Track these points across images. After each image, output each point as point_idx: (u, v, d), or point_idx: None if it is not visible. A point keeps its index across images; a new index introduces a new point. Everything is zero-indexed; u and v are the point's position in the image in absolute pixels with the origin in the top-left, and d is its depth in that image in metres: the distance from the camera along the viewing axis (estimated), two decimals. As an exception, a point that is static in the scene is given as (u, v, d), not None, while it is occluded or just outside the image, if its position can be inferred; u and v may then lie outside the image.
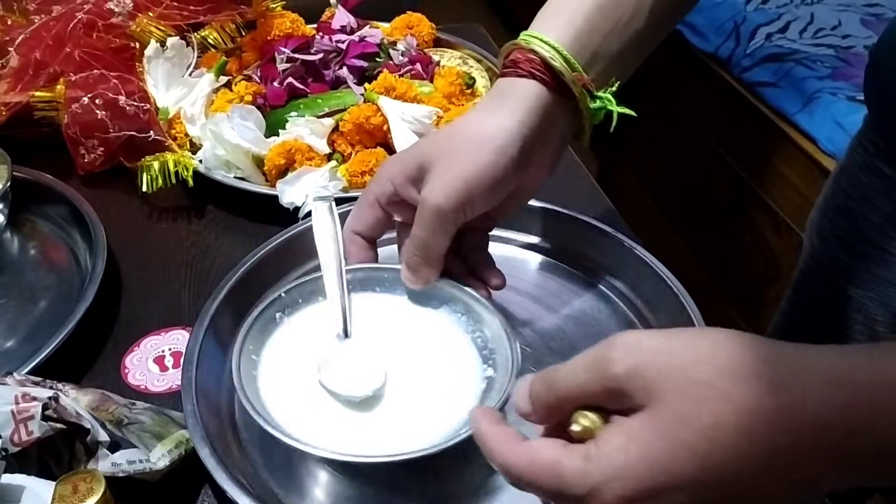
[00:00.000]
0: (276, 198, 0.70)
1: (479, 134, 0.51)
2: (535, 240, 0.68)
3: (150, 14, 0.81)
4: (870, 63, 0.63)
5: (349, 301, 0.55)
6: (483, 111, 0.52)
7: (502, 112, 0.51)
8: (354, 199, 0.68)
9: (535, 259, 0.67)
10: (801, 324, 0.78)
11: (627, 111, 0.53)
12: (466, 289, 0.55)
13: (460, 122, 0.53)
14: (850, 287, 0.70)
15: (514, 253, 0.67)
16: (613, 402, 0.34)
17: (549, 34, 0.51)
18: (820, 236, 0.73)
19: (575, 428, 0.35)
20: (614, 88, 0.53)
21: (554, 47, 0.51)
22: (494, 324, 0.53)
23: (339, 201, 0.68)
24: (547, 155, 0.54)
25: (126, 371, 0.60)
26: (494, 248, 0.67)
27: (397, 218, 0.55)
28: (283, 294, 0.55)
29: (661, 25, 0.55)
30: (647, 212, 1.82)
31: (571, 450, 0.34)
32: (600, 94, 0.53)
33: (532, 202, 0.67)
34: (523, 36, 0.53)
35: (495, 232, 0.68)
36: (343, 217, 0.58)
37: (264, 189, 0.72)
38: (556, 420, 0.37)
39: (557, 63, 0.50)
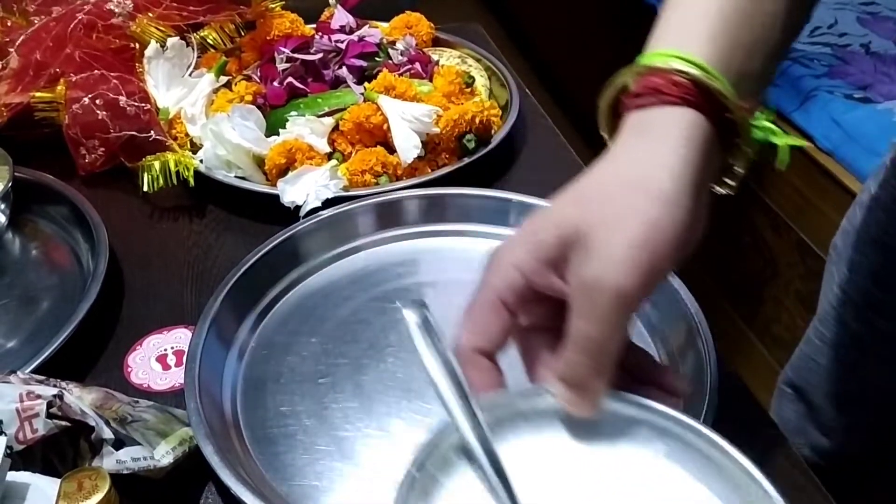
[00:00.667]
0: (276, 197, 0.70)
1: (640, 182, 0.38)
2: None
3: (150, 14, 0.81)
4: None
5: (500, 459, 0.37)
6: (631, 152, 0.40)
7: (659, 151, 0.39)
8: (354, 197, 0.70)
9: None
10: (827, 354, 0.76)
11: (799, 142, 0.42)
12: (653, 404, 0.38)
13: (604, 171, 0.40)
14: (882, 321, 0.69)
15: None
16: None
17: (689, 50, 0.40)
18: (850, 269, 0.71)
19: None
20: (770, 117, 0.42)
21: (701, 66, 0.40)
22: (729, 465, 0.36)
23: (341, 200, 0.69)
24: (705, 204, 0.40)
25: (129, 370, 0.60)
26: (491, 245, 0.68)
27: (524, 321, 0.40)
28: (416, 475, 0.37)
29: (793, 36, 0.46)
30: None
31: None
32: (759, 122, 0.41)
33: (532, 200, 0.68)
34: (655, 55, 0.41)
35: (490, 229, 0.69)
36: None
37: (265, 188, 0.73)
38: None
39: (717, 84, 0.39)
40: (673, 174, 0.38)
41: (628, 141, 0.40)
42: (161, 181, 0.73)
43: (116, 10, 0.80)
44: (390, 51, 0.85)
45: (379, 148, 0.74)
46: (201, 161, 0.75)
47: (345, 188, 0.71)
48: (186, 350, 0.57)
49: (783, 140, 0.41)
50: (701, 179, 0.39)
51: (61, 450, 0.48)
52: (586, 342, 0.37)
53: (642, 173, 0.38)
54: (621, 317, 0.37)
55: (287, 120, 0.76)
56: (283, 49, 0.83)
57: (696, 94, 0.39)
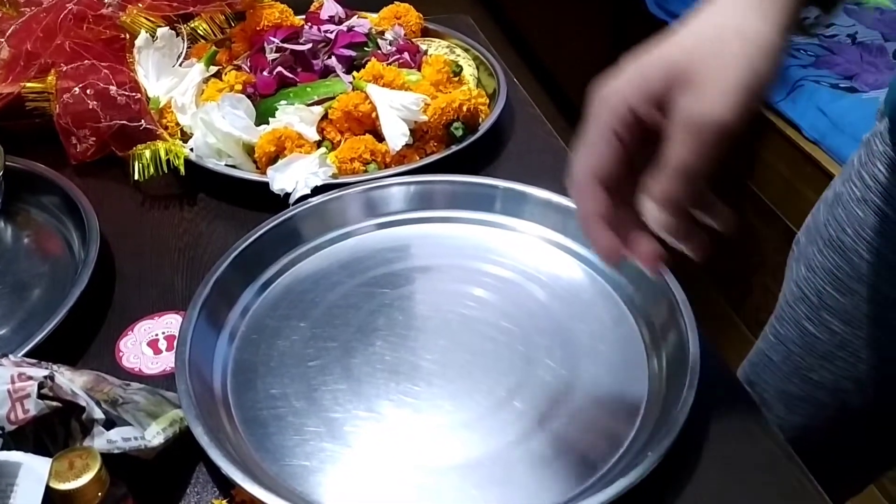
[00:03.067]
0: (266, 185, 0.71)
1: (742, 30, 0.42)
2: (524, 224, 0.69)
3: (140, 5, 0.82)
4: None
5: None
6: (733, 7, 0.43)
7: (757, 10, 0.42)
8: (343, 185, 0.70)
9: (524, 241, 0.68)
10: (780, 352, 0.76)
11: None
12: None
13: (706, 21, 0.43)
14: (836, 322, 0.68)
15: (504, 236, 0.69)
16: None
17: None
18: (808, 267, 0.71)
19: None
20: None
21: None
22: None
23: (330, 187, 0.70)
24: (788, 48, 0.44)
25: (120, 354, 0.61)
26: (485, 232, 0.69)
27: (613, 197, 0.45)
28: None
29: None
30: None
31: None
32: None
33: (521, 187, 0.69)
34: None
35: (477, 215, 0.70)
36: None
37: (255, 176, 0.73)
38: None
39: None
40: (769, 21, 0.41)
41: None
42: (152, 170, 0.73)
43: (107, 1, 0.81)
44: (379, 41, 0.85)
45: (368, 136, 0.75)
46: (192, 150, 0.75)
47: (334, 176, 0.72)
48: (177, 334, 0.58)
49: None
50: (788, 25, 0.42)
51: (52, 430, 0.48)
52: (685, 169, 0.42)
53: (743, 22, 0.42)
54: (718, 150, 0.41)
55: (277, 109, 0.76)
56: (272, 39, 0.83)
57: None
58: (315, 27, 0.85)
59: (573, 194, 0.46)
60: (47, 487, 0.42)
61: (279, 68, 0.81)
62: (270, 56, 0.83)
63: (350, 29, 0.85)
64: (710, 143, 0.41)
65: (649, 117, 0.43)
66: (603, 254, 0.46)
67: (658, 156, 0.42)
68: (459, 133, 0.76)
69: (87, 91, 0.76)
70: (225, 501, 0.51)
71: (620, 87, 0.43)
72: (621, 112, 0.43)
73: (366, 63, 0.80)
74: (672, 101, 0.41)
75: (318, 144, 0.76)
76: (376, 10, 0.93)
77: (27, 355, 0.56)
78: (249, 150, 0.75)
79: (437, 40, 0.93)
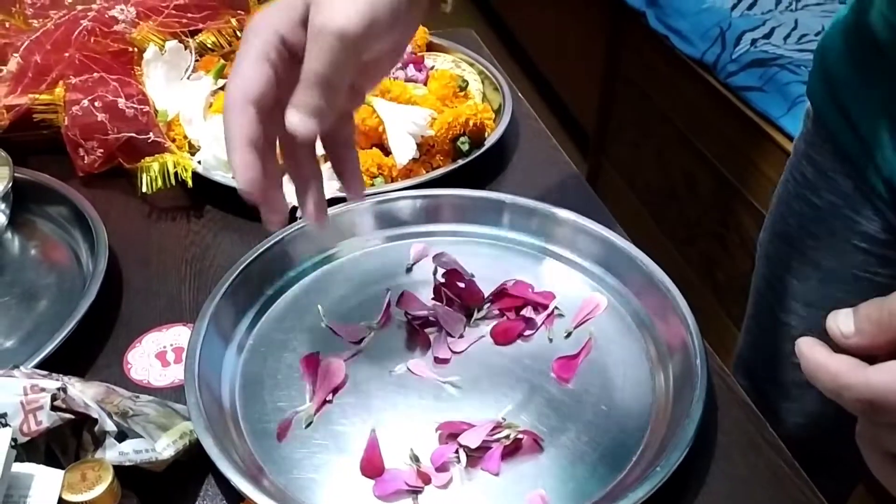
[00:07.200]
0: (274, 197, 0.71)
1: None
2: (526, 236, 0.69)
3: (151, 23, 0.83)
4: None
5: None
6: None
7: None
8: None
9: (528, 253, 0.69)
10: (765, 343, 0.81)
11: None
12: None
13: None
14: (800, 306, 0.74)
15: (508, 247, 0.69)
16: None
17: None
18: (768, 261, 0.78)
19: None
20: None
21: None
22: None
23: (337, 201, 0.70)
24: (417, 12, 0.48)
25: (128, 366, 0.61)
26: (491, 246, 0.69)
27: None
28: None
29: None
30: (634, 213, 1.85)
31: None
32: None
33: (524, 199, 0.70)
34: None
35: (483, 229, 0.70)
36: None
37: (262, 189, 0.74)
38: (881, 347, 0.32)
39: None
40: None
41: None
42: (159, 182, 0.74)
43: (119, 18, 0.81)
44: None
45: (375, 150, 0.76)
46: (199, 162, 0.76)
47: (341, 189, 0.72)
48: (186, 346, 0.58)
49: None
50: None
51: (64, 442, 0.49)
52: (315, 77, 0.43)
53: None
54: (344, 56, 0.43)
55: (284, 122, 0.77)
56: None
57: None
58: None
59: (225, 121, 0.46)
60: (60, 499, 0.42)
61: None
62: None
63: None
64: (334, 49, 0.42)
65: (298, 40, 0.44)
66: (243, 182, 0.47)
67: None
68: (466, 147, 0.76)
69: (96, 103, 0.76)
70: (234, 514, 0.51)
71: (267, 17, 0.45)
72: (271, 38, 0.45)
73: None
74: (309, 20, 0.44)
75: (326, 158, 0.76)
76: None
77: (36, 367, 0.56)
78: (257, 162, 0.76)
79: (443, 55, 0.94)
